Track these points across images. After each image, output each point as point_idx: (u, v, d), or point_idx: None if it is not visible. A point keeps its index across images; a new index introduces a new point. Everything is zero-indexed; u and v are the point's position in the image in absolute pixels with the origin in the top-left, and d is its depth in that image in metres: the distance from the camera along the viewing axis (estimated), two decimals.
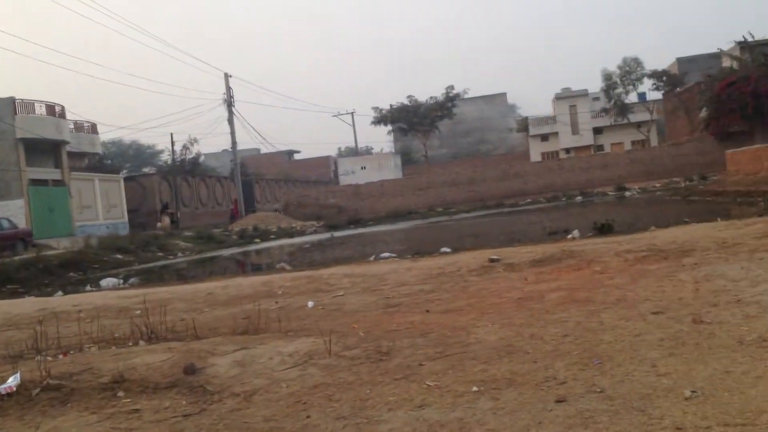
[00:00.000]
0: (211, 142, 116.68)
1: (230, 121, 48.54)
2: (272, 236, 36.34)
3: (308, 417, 4.13)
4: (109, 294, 12.86)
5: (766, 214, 14.26)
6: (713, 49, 49.13)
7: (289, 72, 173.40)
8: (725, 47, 45.84)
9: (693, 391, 3.79)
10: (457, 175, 54.91)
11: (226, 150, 61.86)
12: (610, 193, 42.47)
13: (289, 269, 15.23)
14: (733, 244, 9.11)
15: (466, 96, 66.93)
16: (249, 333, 6.55)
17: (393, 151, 78.98)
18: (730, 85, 39.78)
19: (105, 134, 70.20)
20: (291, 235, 36.53)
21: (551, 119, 72.15)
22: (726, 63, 45.03)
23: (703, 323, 5.25)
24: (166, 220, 41.84)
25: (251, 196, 58.67)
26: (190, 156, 56.13)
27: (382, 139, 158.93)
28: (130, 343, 6.50)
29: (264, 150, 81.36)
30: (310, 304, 8.58)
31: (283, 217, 47.04)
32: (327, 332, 5.74)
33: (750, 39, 42.62)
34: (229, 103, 48.29)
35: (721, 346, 4.61)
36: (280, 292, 10.06)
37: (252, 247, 31.00)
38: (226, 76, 48.32)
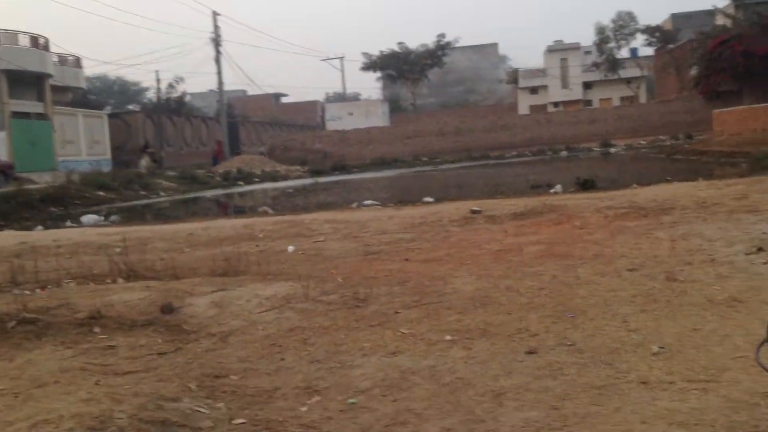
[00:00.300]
0: (197, 82, 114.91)
1: (217, 61, 47.76)
2: (256, 179, 36.17)
3: (282, 359, 4.19)
4: (90, 231, 12.80)
5: (747, 175, 14.37)
6: (708, 6, 48.63)
7: (278, 13, 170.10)
8: (720, 4, 45.38)
9: (661, 347, 3.87)
10: (444, 125, 54.61)
11: (212, 90, 60.96)
12: (596, 149, 42.53)
13: (271, 213, 15.22)
14: (713, 204, 9.19)
15: (456, 45, 66.23)
16: (228, 275, 6.58)
17: (381, 98, 78.22)
18: (722, 44, 39.45)
19: (89, 69, 68.73)
20: (275, 179, 36.40)
21: (541, 72, 71.55)
22: (720, 21, 44.60)
23: (676, 281, 5.33)
24: (147, 159, 41.39)
25: (236, 138, 58.08)
26: (175, 95, 55.35)
27: (370, 85, 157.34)
28: (109, 281, 6.52)
29: (251, 92, 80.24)
30: (291, 248, 8.60)
31: (268, 160, 46.70)
32: (305, 277, 5.78)
33: None
34: (217, 42, 47.43)
35: (691, 304, 4.69)
36: (261, 236, 10.06)
37: (235, 190, 30.89)
38: (214, 14, 47.36)
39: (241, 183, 34.19)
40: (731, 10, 42.79)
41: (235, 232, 10.50)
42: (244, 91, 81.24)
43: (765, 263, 5.66)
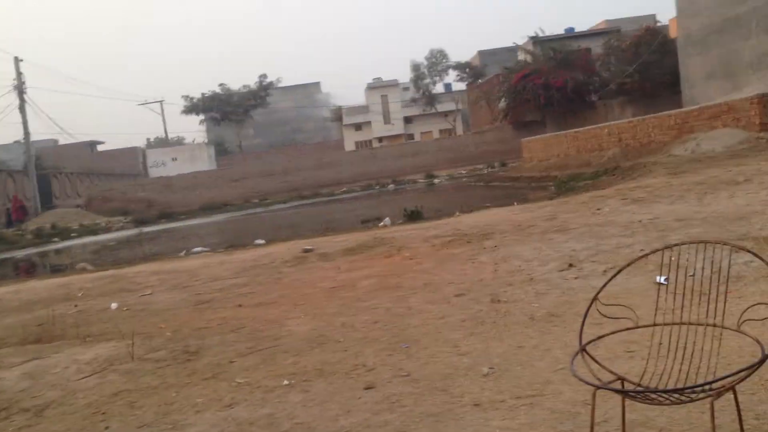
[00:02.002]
0: (1, 134, 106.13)
1: (22, 110, 44.44)
2: (73, 234, 33.83)
3: (107, 428, 3.88)
4: None
5: (555, 197, 15.54)
6: (510, 44, 52.66)
7: (90, 57, 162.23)
8: (520, 42, 49.28)
9: (490, 368, 4.01)
10: (272, 165, 54.50)
11: (18, 141, 56.58)
12: (420, 181, 44.22)
13: (91, 269, 14.26)
14: (527, 227, 9.81)
15: (279, 85, 66.55)
16: (42, 341, 6.05)
17: (206, 141, 76.65)
18: (524, 77, 42.81)
19: None
20: (95, 233, 34.26)
21: (364, 109, 73.75)
22: (521, 56, 48.37)
23: (500, 302, 5.59)
24: None
25: (48, 192, 54.13)
26: None
27: (194, 129, 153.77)
28: None
29: (63, 141, 75.36)
30: (114, 305, 8.08)
31: (86, 213, 43.99)
32: (130, 335, 5.43)
33: (541, 34, 46.14)
34: (20, 89, 44.20)
35: (515, 323, 4.94)
36: (79, 295, 9.38)
37: (50, 247, 28.67)
38: (17, 59, 44.14)
39: (57, 239, 31.82)
40: (530, 47, 46.58)
41: (49, 294, 9.72)
42: (55, 141, 76.17)
43: (576, 278, 6.11)
